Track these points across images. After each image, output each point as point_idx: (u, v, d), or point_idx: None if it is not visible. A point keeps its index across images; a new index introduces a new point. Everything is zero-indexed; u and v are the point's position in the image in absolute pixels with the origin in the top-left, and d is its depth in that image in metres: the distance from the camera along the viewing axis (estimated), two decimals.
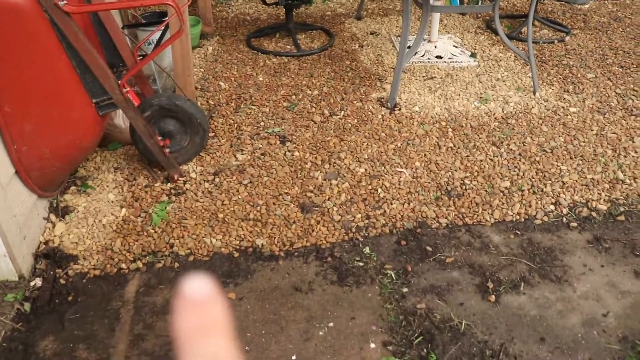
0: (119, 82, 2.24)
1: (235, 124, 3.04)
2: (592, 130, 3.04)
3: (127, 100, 2.29)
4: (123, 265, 2.16)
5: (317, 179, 2.62)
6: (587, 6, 4.89)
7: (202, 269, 2.18)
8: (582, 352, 1.90)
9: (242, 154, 2.79)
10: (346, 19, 4.54)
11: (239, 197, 2.50)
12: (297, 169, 2.68)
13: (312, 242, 2.28)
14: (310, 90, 3.39)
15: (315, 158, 2.75)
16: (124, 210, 2.41)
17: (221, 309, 0.31)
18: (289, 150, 2.82)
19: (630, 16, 4.76)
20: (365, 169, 2.68)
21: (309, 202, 2.48)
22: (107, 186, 2.56)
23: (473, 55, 3.82)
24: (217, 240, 2.27)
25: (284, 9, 4.03)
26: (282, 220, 2.38)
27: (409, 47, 3.31)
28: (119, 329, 1.92)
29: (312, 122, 3.06)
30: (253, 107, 3.20)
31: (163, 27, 2.81)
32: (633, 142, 2.94)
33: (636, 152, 2.87)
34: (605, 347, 1.91)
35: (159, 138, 2.49)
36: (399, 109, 3.17)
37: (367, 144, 2.86)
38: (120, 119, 2.74)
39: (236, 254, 2.22)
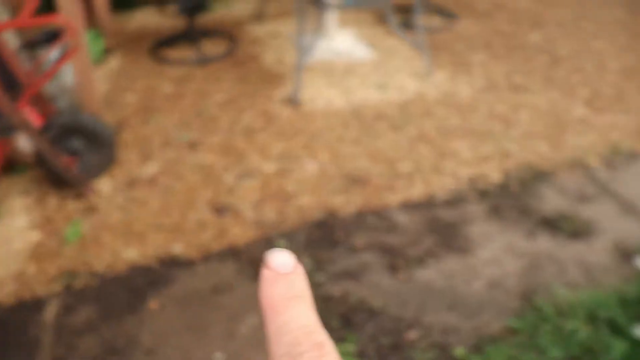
0: (16, 104, 2.22)
1: (145, 136, 3.05)
2: (482, 108, 3.26)
3: (26, 122, 2.27)
4: (39, 290, 2.15)
5: (228, 181, 2.69)
6: None
7: (122, 282, 2.21)
8: (487, 313, 2.07)
9: (153, 164, 2.82)
10: (248, 22, 4.61)
11: (153, 207, 2.54)
12: (208, 174, 2.74)
13: (228, 243, 2.35)
14: (217, 95, 3.44)
15: (226, 161, 2.82)
16: (36, 233, 2.39)
17: (303, 279, 0.32)
18: (199, 156, 2.87)
19: (511, 1, 5.07)
20: (275, 167, 2.77)
21: (222, 205, 2.55)
22: (17, 211, 2.53)
23: (371, 47, 3.98)
24: (134, 252, 2.30)
25: (187, 18, 4.05)
26: (197, 226, 2.44)
27: (307, 45, 3.42)
28: (39, 355, 1.92)
29: (221, 127, 3.11)
30: (161, 117, 3.22)
31: (61, 45, 2.79)
32: (519, 115, 3.18)
33: (522, 124, 3.11)
34: (507, 306, 2.08)
35: (66, 156, 2.48)
36: (304, 106, 3.28)
37: (275, 143, 2.95)
38: (24, 141, 2.70)
39: (155, 264, 2.26)
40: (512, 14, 4.79)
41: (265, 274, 0.31)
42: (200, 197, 2.59)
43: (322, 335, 0.29)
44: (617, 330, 1.94)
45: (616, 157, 2.89)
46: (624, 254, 2.31)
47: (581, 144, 2.97)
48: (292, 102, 3.30)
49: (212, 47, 4.13)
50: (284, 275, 0.31)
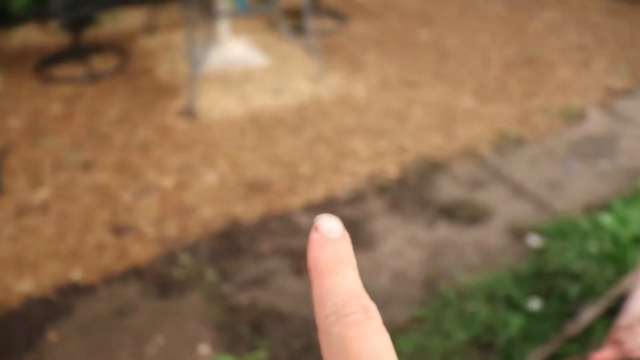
0: None
1: (33, 160, 2.91)
2: (377, 106, 3.34)
3: None
4: None
5: (126, 199, 2.60)
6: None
7: (17, 317, 2.09)
8: (394, 305, 2.11)
9: (45, 189, 2.68)
10: (138, 34, 4.50)
11: (47, 234, 2.42)
12: (104, 194, 2.64)
13: (130, 263, 2.28)
14: (109, 112, 3.33)
15: (121, 180, 2.73)
16: None
17: (350, 246, 0.32)
18: (94, 177, 2.76)
19: (399, 1, 5.24)
20: (173, 181, 2.71)
21: (121, 225, 2.46)
22: None
23: (265, 54, 3.98)
24: (28, 284, 2.18)
25: (72, 33, 3.90)
26: (96, 249, 2.34)
27: (200, 56, 3.38)
28: None
29: (115, 144, 3.02)
30: (51, 139, 3.08)
31: None
32: (412, 110, 3.29)
33: (415, 118, 3.21)
34: (413, 296, 2.14)
35: None
36: (200, 117, 3.23)
37: (172, 156, 2.89)
38: None
39: (52, 294, 2.15)
40: (401, 13, 4.95)
41: (314, 237, 0.32)
42: (97, 219, 2.49)
43: (368, 300, 0.30)
44: (514, 306, 2.03)
45: (504, 144, 3.04)
46: (517, 234, 2.43)
47: (471, 133, 3.10)
48: (188, 113, 3.25)
49: (101, 63, 3.99)
50: (333, 240, 0.32)
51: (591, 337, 1.88)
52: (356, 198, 2.62)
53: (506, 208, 2.58)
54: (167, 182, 2.70)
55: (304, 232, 2.41)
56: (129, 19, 4.82)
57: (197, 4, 3.59)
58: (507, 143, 3.05)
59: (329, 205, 2.57)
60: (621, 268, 2.16)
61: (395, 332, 1.99)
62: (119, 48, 4.21)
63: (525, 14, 5.13)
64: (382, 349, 0.27)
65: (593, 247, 2.26)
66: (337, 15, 4.77)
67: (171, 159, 2.88)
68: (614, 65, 4.07)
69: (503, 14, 5.08)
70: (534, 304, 2.06)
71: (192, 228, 2.43)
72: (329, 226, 0.32)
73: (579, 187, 2.74)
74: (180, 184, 2.69)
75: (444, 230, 2.44)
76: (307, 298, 2.13)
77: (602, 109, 3.47)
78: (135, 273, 2.24)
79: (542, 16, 5.08)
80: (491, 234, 2.43)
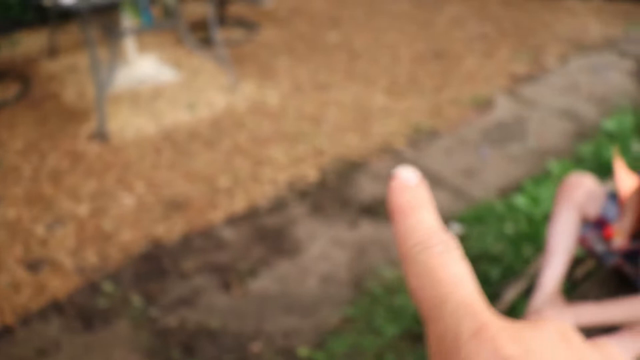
0: None
1: None
2: (291, 111, 3.34)
3: None
4: None
5: (39, 232, 2.49)
6: (270, 5, 5.30)
7: None
8: (324, 308, 2.11)
9: None
10: (40, 58, 4.32)
11: None
12: (15, 229, 2.52)
13: (49, 298, 2.17)
14: (14, 143, 3.18)
15: (33, 212, 2.61)
16: None
17: (428, 191, 0.34)
18: (2, 212, 2.62)
19: (307, 6, 5.28)
20: (88, 208, 2.61)
21: (36, 259, 2.35)
22: None
23: (174, 69, 3.92)
24: None
25: None
26: (11, 288, 2.23)
27: (107, 76, 3.28)
28: None
29: (23, 176, 2.88)
30: None
31: None
32: (327, 112, 3.31)
33: (330, 120, 3.24)
34: (342, 297, 2.14)
35: None
36: (112, 139, 3.13)
37: (86, 182, 2.79)
38: None
39: None
40: (310, 17, 4.98)
41: (394, 184, 0.34)
42: (9, 257, 2.37)
43: (448, 235, 0.32)
44: None
45: (419, 137, 3.11)
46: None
47: (386, 130, 3.15)
48: (100, 136, 3.14)
49: (1, 91, 3.81)
50: (411, 186, 0.34)
51: (516, 316, 1.94)
52: (278, 205, 2.61)
53: None
54: (82, 209, 2.60)
55: (229, 246, 2.38)
56: (29, 43, 4.63)
57: (98, 23, 3.49)
58: (421, 136, 3.12)
59: (251, 216, 2.54)
60: (537, 246, 2.25)
61: (328, 335, 1.99)
62: (20, 74, 4.04)
63: (430, 10, 5.28)
64: (462, 274, 0.31)
65: (509, 228, 2.34)
66: (246, 24, 4.75)
67: (85, 185, 2.77)
68: (516, 53, 4.25)
69: (409, 11, 5.21)
70: None
71: (113, 254, 2.35)
72: (407, 175, 0.34)
73: (493, 173, 2.84)
74: (96, 211, 2.59)
75: (367, 228, 2.47)
76: (237, 312, 2.10)
77: (509, 95, 3.61)
78: (56, 308, 2.14)
79: (446, 11, 5.24)
80: None
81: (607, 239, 1.67)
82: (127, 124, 3.27)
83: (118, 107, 3.46)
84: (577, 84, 3.81)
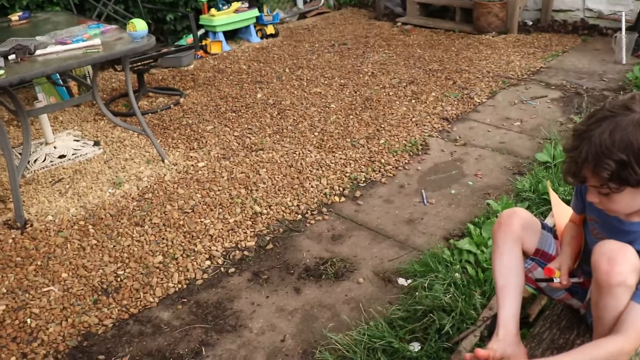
0: None
1: None
2: (223, 177, 3.20)
3: None
4: None
5: None
6: (192, 66, 5.21)
7: None
8: None
9: None
10: None
11: None
12: None
13: None
14: None
15: None
16: None
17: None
18: None
19: (230, 66, 5.22)
20: (7, 304, 2.37)
21: None
22: None
23: (97, 143, 3.74)
24: None
25: None
26: None
27: (22, 158, 3.07)
28: None
29: None
30: None
31: None
32: (259, 174, 3.19)
33: (264, 182, 3.11)
34: None
35: None
36: (31, 225, 2.91)
37: (4, 275, 2.55)
38: None
39: None
40: (234, 76, 4.91)
41: None
42: None
43: None
44: (395, 354, 1.94)
45: (356, 190, 3.02)
46: (385, 278, 2.37)
47: (322, 186, 3.05)
48: (17, 223, 2.92)
49: None
50: None
51: None
52: (216, 278, 2.44)
53: (370, 255, 2.52)
54: (0, 306, 2.36)
55: (166, 328, 2.19)
56: None
57: (5, 104, 3.31)
58: (359, 189, 3.03)
59: (188, 293, 2.36)
60: (487, 289, 2.16)
61: None
62: None
63: (355, 59, 5.30)
64: None
65: (458, 275, 2.24)
66: (169, 89, 4.63)
67: (2, 278, 2.53)
68: (444, 94, 4.27)
69: (334, 62, 5.22)
70: (415, 347, 1.98)
71: (39, 353, 2.12)
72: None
73: (435, 218, 2.76)
74: (16, 306, 2.36)
75: (312, 292, 2.32)
76: None
77: (442, 136, 3.59)
78: None
79: (371, 59, 5.28)
80: (360, 285, 2.35)
81: (549, 276, 1.60)
82: (48, 207, 3.05)
83: (38, 189, 3.25)
84: (507, 118, 3.84)
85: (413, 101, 4.16)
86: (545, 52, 5.33)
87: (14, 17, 3.73)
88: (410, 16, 6.70)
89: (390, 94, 4.32)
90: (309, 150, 3.44)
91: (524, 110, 3.97)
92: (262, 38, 6.13)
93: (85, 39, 3.06)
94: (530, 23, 6.42)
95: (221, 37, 5.71)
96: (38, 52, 2.88)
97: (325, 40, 6.02)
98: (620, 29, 5.00)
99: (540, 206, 2.68)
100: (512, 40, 5.73)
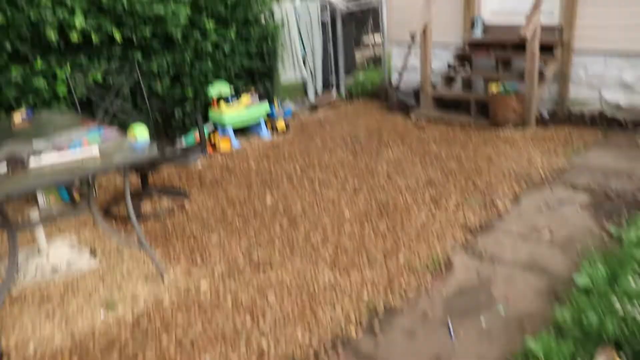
0: None
1: None
2: (227, 301, 2.89)
3: None
4: None
5: None
6: (199, 164, 5.01)
7: None
8: None
9: None
10: None
11: None
12: None
13: None
14: None
15: None
16: None
17: None
18: None
19: (239, 164, 5.02)
20: None
21: None
22: None
23: (93, 253, 3.46)
24: None
25: None
26: None
27: (8, 272, 2.80)
28: None
29: None
30: None
31: None
32: (267, 299, 2.88)
33: (272, 308, 2.80)
34: None
35: None
36: (11, 356, 2.60)
37: None
38: None
39: None
40: (243, 176, 4.69)
41: None
42: None
43: None
44: None
45: (374, 320, 2.69)
46: None
47: (336, 315, 2.73)
48: None
49: None
50: None
51: None
52: None
53: None
54: None
55: None
56: None
57: None
58: (377, 318, 2.71)
59: None
60: None
61: None
62: None
63: (369, 156, 5.09)
64: None
65: None
66: (174, 191, 4.40)
67: None
68: (465, 199, 4.01)
69: (347, 161, 5.00)
70: None
71: None
72: None
73: (464, 357, 2.42)
74: None
75: None
76: None
77: (466, 250, 3.29)
78: None
79: (386, 156, 5.06)
80: None
81: None
82: (31, 333, 2.74)
83: (24, 309, 2.95)
84: (535, 227, 3.55)
85: (432, 207, 3.89)
86: (566, 147, 5.11)
87: (17, 117, 3.59)
88: (425, 109, 6.56)
89: (408, 198, 4.06)
90: (321, 269, 3.14)
91: (552, 217, 3.69)
92: (272, 132, 5.96)
93: (84, 146, 2.85)
94: (547, 114, 6.26)
95: (230, 132, 5.54)
96: (32, 162, 2.67)
97: (338, 136, 5.85)
98: None
99: (585, 345, 2.35)
100: (531, 135, 5.53)
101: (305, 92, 7.26)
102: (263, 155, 5.28)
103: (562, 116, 6.25)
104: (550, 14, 6.08)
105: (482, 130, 5.76)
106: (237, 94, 5.74)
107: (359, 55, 8.74)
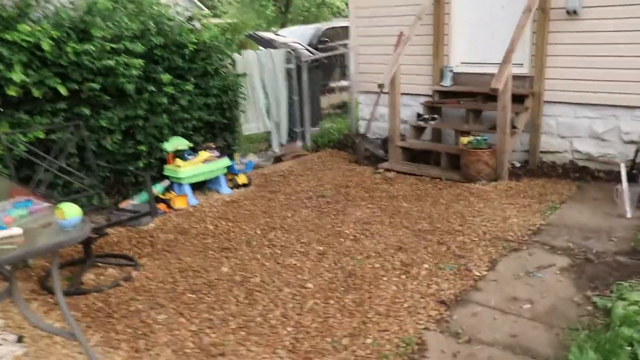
0: None
1: None
2: None
3: None
4: None
5: None
6: (152, 225, 4.63)
7: None
8: None
9: None
10: None
11: None
12: None
13: None
14: None
15: None
16: None
17: None
18: None
19: (195, 225, 4.65)
20: None
21: None
22: None
23: (20, 339, 3.04)
24: None
25: None
26: None
27: None
28: None
29: None
30: None
31: None
32: None
33: None
34: None
35: None
36: None
37: None
38: None
39: None
40: (198, 241, 4.32)
41: None
42: None
43: None
44: None
45: None
46: None
47: None
48: None
49: None
50: None
51: None
52: None
53: None
54: None
55: None
56: None
57: None
58: None
59: None
60: None
61: None
62: None
63: (336, 216, 4.78)
64: None
65: None
66: (123, 258, 4.01)
67: None
68: (437, 265, 3.71)
69: (312, 220, 4.69)
70: None
71: None
72: None
73: None
74: None
75: None
76: None
77: (441, 329, 2.97)
78: None
79: (353, 215, 4.76)
80: None
81: None
82: None
83: None
84: (515, 298, 3.26)
85: (403, 276, 3.58)
86: (541, 202, 4.89)
87: None
88: (393, 161, 6.31)
89: (377, 265, 3.75)
90: (279, 358, 2.77)
91: (531, 286, 3.41)
92: (233, 188, 5.62)
93: (5, 226, 2.48)
94: (519, 165, 6.07)
95: (187, 190, 5.18)
96: None
97: (302, 191, 5.54)
98: (619, 179, 4.61)
99: None
100: (504, 189, 5.31)
101: (269, 144, 6.97)
102: (222, 213, 4.92)
103: (534, 166, 6.07)
104: (520, 65, 5.97)
105: (453, 185, 5.52)
106: (195, 148, 5.41)
107: (325, 101, 8.54)
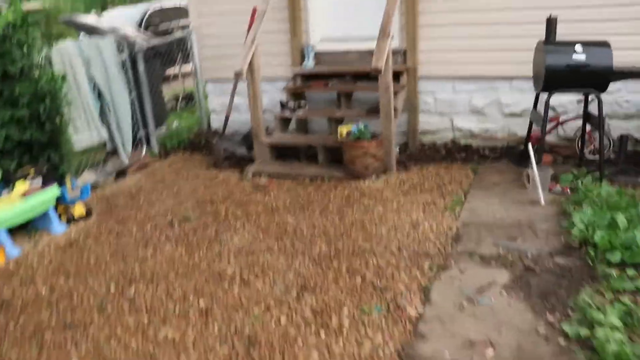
0: None
1: None
2: None
3: None
4: None
5: None
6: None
7: None
8: None
9: None
10: None
11: None
12: None
13: None
14: None
15: None
16: None
17: None
18: None
19: (21, 291, 3.33)
20: None
21: None
22: None
23: None
24: None
25: None
26: None
27: None
28: None
29: None
30: None
31: None
32: None
33: None
34: None
35: None
36: None
37: None
38: None
39: None
40: (27, 319, 3.07)
41: None
42: None
43: None
44: None
45: None
46: None
47: None
48: None
49: None
50: None
51: None
52: None
53: None
54: None
55: None
56: None
57: None
58: None
59: None
60: None
61: None
62: None
63: (209, 247, 3.73)
64: None
65: None
66: None
67: None
68: (359, 308, 2.84)
69: (181, 258, 3.59)
70: None
71: None
72: None
73: None
74: None
75: None
76: None
77: None
78: None
79: (231, 244, 3.73)
80: None
81: None
82: None
83: None
84: (471, 342, 2.50)
85: (322, 334, 2.66)
86: (443, 197, 4.24)
87: None
88: (261, 162, 5.32)
89: (282, 320, 2.79)
90: None
91: (482, 319, 2.68)
92: (69, 222, 4.27)
93: None
94: (398, 150, 5.38)
95: (3, 238, 3.78)
96: None
97: (159, 214, 4.36)
98: (529, 164, 4.06)
99: None
100: (397, 184, 4.59)
101: (107, 156, 5.59)
102: (58, 265, 3.62)
103: (415, 150, 5.45)
104: (391, 37, 5.25)
105: (338, 184, 4.69)
106: (9, 178, 4.02)
107: (168, 92, 7.27)
